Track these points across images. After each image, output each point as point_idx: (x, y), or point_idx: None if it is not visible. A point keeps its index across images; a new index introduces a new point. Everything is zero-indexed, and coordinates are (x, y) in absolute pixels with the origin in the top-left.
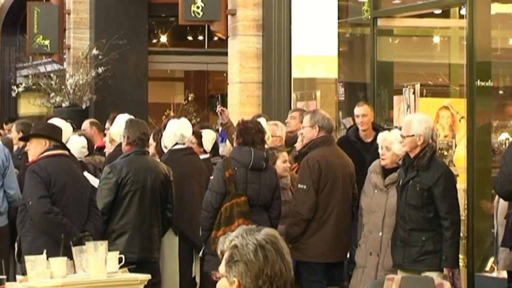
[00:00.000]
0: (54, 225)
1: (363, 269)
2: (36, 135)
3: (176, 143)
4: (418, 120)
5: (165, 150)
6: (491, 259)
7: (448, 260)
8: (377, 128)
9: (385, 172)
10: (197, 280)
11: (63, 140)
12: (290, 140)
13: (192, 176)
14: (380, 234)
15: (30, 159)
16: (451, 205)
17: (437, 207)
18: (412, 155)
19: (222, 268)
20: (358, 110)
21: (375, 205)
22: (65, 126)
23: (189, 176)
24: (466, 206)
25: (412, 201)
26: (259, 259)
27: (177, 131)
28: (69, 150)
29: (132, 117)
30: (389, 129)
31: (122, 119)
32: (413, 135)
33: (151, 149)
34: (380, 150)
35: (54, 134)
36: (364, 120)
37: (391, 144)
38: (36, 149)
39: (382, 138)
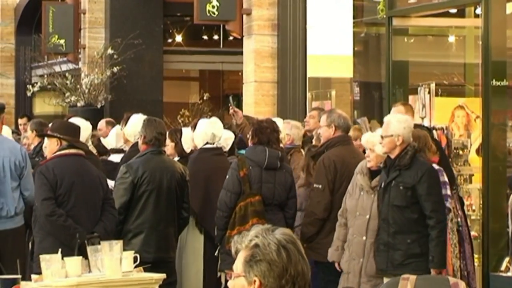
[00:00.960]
0: (57, 227)
1: (347, 275)
2: (48, 135)
3: (207, 143)
4: (397, 120)
5: (187, 150)
6: (507, 259)
7: (435, 260)
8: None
9: (372, 174)
10: (222, 280)
11: (82, 139)
12: (308, 140)
13: (219, 176)
14: (364, 238)
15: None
16: (435, 203)
17: (422, 206)
18: (392, 156)
19: (238, 267)
20: None
21: (360, 207)
22: (84, 125)
23: (216, 176)
24: (481, 206)
25: (395, 202)
26: (283, 258)
27: (208, 131)
28: (86, 149)
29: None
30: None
31: (136, 119)
32: (392, 135)
33: (169, 150)
34: (366, 151)
35: (67, 133)
36: None
37: (374, 146)
38: (50, 148)
39: (365, 139)
